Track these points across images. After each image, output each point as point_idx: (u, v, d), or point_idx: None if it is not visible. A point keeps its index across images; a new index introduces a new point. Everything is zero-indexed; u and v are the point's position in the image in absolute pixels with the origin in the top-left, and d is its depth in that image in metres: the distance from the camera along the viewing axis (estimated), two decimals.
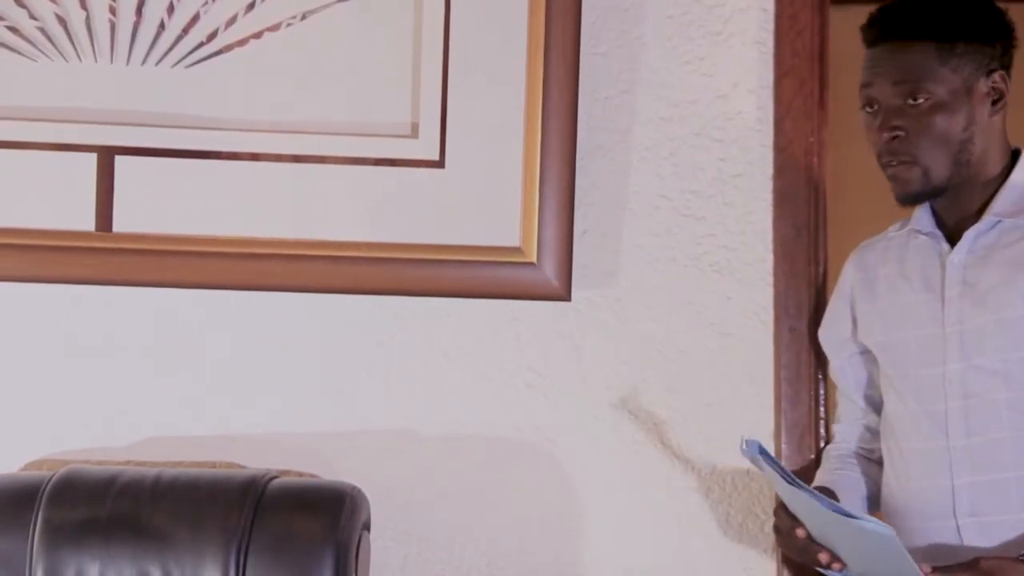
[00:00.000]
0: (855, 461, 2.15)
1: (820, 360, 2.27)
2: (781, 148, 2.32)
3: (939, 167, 1.93)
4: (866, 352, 2.12)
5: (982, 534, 1.89)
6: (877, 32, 1.97)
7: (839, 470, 2.13)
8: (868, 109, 1.98)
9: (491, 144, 2.25)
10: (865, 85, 1.98)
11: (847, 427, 2.19)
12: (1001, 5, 1.99)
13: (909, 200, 1.98)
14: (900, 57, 1.93)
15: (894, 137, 1.93)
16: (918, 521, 1.95)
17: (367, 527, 2.18)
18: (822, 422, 2.30)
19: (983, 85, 1.94)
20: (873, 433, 2.14)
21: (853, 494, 2.08)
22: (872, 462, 2.14)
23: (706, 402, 2.32)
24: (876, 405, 2.13)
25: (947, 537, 1.91)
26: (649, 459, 2.32)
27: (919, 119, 1.92)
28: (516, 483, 2.33)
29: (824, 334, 2.21)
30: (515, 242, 2.25)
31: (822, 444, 2.28)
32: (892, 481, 2.04)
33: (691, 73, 2.34)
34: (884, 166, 1.97)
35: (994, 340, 1.90)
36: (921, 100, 1.92)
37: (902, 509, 1.99)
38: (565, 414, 2.33)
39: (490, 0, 2.25)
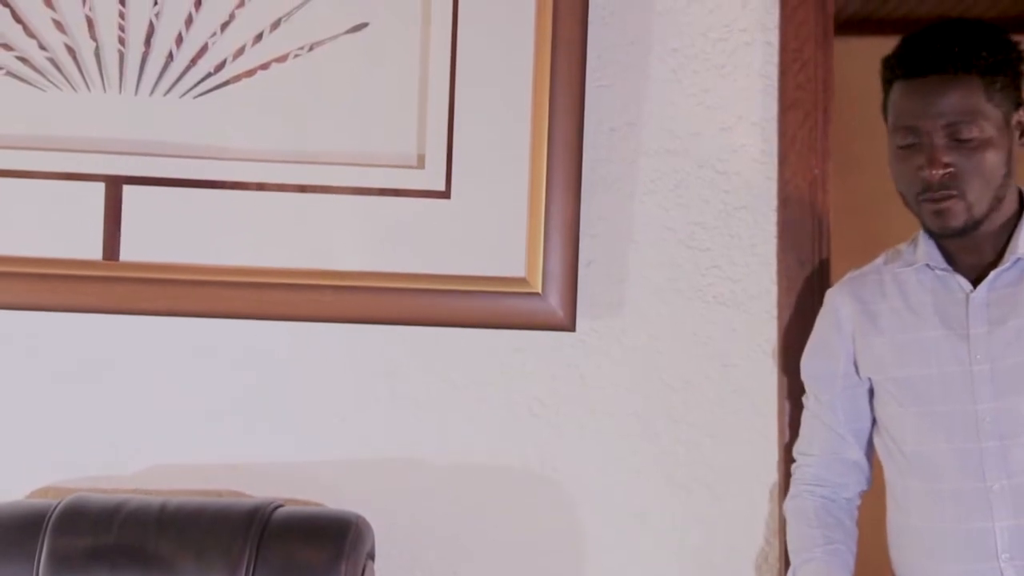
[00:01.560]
0: (834, 521, 2.08)
1: None
2: (785, 180, 2.32)
3: (982, 202, 1.91)
4: (860, 385, 2.08)
5: None
6: (919, 64, 1.91)
7: (830, 545, 2.05)
8: (904, 142, 1.93)
9: (497, 175, 2.26)
10: (908, 122, 1.92)
11: (822, 459, 2.12)
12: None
13: (948, 234, 1.94)
14: (951, 92, 1.88)
15: (946, 174, 1.89)
16: (953, 564, 1.91)
17: (372, 556, 2.18)
18: None
19: (1014, 120, 1.93)
20: (849, 466, 2.11)
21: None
22: (842, 505, 2.10)
23: (710, 433, 2.33)
24: (862, 440, 2.11)
25: None
26: (653, 488, 2.33)
27: (970, 156, 1.89)
28: (521, 512, 2.34)
29: (813, 367, 2.15)
30: (520, 272, 2.26)
31: None
32: (917, 522, 1.98)
33: (696, 106, 2.35)
34: (923, 200, 1.92)
35: None
36: (973, 137, 1.89)
37: (935, 551, 1.94)
38: (570, 443, 2.33)
39: (496, 32, 2.27)
